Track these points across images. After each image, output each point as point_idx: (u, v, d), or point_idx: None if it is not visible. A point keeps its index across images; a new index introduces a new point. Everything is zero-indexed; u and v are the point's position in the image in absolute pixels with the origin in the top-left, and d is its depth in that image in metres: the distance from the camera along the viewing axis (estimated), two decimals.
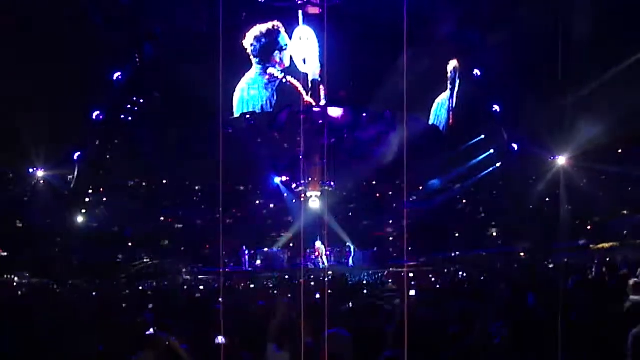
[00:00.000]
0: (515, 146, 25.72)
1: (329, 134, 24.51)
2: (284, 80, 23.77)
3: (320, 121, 24.55)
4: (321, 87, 24.15)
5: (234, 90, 23.45)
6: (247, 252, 24.67)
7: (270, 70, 23.77)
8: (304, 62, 23.84)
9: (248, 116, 24.52)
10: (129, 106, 24.94)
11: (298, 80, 23.86)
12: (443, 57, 24.42)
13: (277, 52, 23.66)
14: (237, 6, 22.53)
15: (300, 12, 23.45)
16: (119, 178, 26.72)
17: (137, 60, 24.29)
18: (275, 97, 23.71)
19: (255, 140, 25.98)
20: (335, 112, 25.06)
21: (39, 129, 20.27)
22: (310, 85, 23.97)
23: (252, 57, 23.67)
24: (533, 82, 22.31)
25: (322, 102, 24.22)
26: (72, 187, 23.86)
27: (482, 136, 26.82)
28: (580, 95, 21.78)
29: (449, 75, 24.86)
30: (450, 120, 25.36)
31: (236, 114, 23.89)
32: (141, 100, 25.04)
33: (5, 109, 19.55)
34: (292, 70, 23.85)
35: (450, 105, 25.22)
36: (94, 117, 23.45)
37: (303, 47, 23.79)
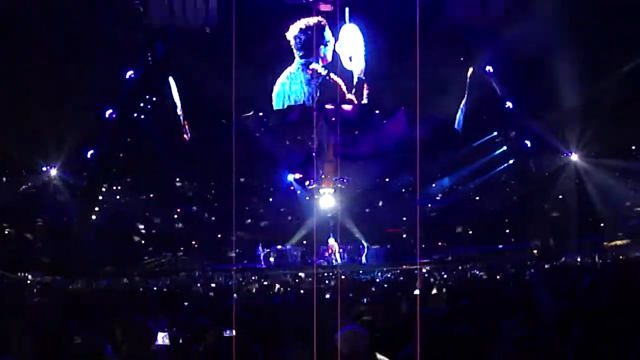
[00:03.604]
0: (528, 143, 25.53)
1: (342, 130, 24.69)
2: (327, 77, 24.08)
3: (333, 118, 24.62)
4: (365, 85, 24.47)
5: (274, 84, 24.52)
6: (262, 249, 24.70)
7: (314, 65, 24.13)
8: (350, 60, 24.14)
9: (261, 114, 24.69)
10: (141, 104, 25.03)
11: (341, 78, 24.38)
12: (457, 55, 24.49)
13: (322, 46, 23.99)
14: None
15: (346, 9, 24.03)
16: (131, 176, 26.73)
17: (150, 58, 24.41)
18: (318, 93, 24.03)
19: (268, 137, 25.96)
20: (347, 107, 25.12)
21: (52, 127, 20.38)
22: (355, 83, 24.41)
23: (295, 50, 24.22)
24: (547, 78, 22.09)
25: (365, 101, 24.74)
26: (85, 185, 23.96)
27: (495, 133, 26.66)
28: (593, 92, 21.63)
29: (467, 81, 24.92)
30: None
31: (275, 107, 24.46)
32: (154, 99, 25.13)
33: (18, 107, 19.67)
34: (334, 66, 24.38)
35: (465, 106, 25.28)
36: (106, 115, 23.55)
37: (349, 45, 24.19)
